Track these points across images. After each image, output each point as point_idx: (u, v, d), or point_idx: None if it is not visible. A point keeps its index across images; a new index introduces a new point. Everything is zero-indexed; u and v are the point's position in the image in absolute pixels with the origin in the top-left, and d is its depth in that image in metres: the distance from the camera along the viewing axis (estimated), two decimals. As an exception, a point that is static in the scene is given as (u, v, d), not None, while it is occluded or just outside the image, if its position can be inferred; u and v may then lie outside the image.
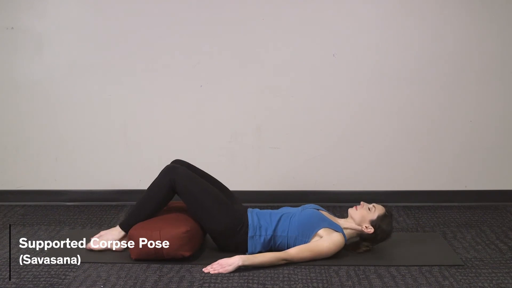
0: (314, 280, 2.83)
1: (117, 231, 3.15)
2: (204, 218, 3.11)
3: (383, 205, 3.17)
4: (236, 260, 2.89)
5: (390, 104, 3.95)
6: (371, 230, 3.09)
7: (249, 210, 3.19)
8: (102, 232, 3.22)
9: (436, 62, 3.89)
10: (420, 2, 3.83)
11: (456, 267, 2.99)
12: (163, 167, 3.20)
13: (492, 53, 3.88)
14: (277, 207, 3.36)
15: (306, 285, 2.79)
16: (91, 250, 3.13)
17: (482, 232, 3.50)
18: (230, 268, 2.89)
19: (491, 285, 2.80)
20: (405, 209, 3.94)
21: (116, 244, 3.14)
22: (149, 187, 3.18)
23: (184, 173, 3.12)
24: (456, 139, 3.98)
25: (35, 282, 2.82)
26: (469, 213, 3.85)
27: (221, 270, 2.89)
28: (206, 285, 2.79)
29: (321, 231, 3.05)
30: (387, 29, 3.87)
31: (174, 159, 3.36)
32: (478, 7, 3.82)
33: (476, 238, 3.41)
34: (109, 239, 3.15)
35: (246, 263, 2.90)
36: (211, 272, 2.89)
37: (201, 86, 3.95)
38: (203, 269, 2.92)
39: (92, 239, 3.16)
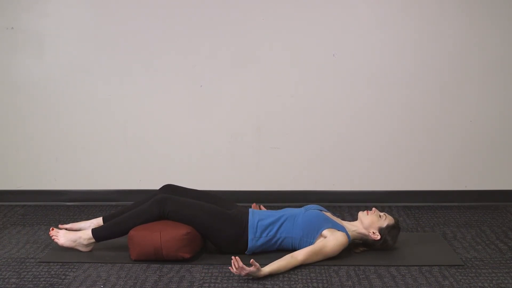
0: (314, 280, 2.83)
1: (87, 236, 3.11)
2: (208, 236, 3.12)
3: (394, 218, 3.18)
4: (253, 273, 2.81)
5: (390, 104, 3.95)
6: (378, 237, 3.10)
7: (251, 211, 3.19)
8: (75, 226, 3.29)
9: (435, 62, 3.89)
10: (420, 2, 3.83)
11: (456, 267, 2.99)
12: (152, 196, 3.19)
13: (492, 53, 3.88)
14: (277, 207, 3.36)
15: (306, 285, 2.79)
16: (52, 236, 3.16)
17: (482, 232, 3.50)
18: (243, 275, 2.81)
19: (491, 285, 2.80)
20: (405, 209, 3.94)
21: (81, 247, 3.13)
22: (136, 210, 3.12)
23: (174, 203, 3.08)
24: (456, 139, 3.98)
25: (35, 282, 2.82)
26: (469, 213, 3.85)
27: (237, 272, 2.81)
28: (206, 285, 2.79)
29: (325, 232, 3.05)
30: (387, 29, 3.86)
31: (162, 185, 3.34)
32: (478, 7, 3.82)
33: (476, 238, 3.41)
34: (76, 240, 3.11)
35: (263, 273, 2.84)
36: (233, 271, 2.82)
37: (201, 86, 3.95)
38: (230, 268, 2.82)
39: (63, 232, 3.15)
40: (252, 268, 2.78)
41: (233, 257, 2.80)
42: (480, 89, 3.92)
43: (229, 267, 2.81)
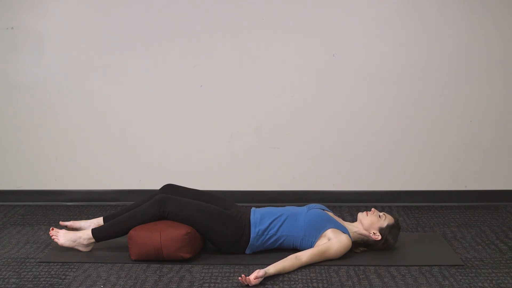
0: (314, 280, 2.83)
1: (87, 236, 3.10)
2: (208, 236, 3.12)
3: (393, 217, 3.18)
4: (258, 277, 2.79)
5: (390, 104, 3.95)
6: (378, 237, 3.09)
7: (253, 209, 3.19)
8: (75, 224, 3.30)
9: (436, 62, 3.89)
10: (420, 2, 3.83)
11: (456, 267, 2.99)
12: (153, 196, 3.20)
13: (492, 53, 3.88)
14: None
15: (306, 285, 2.79)
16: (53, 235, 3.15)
17: (482, 232, 3.50)
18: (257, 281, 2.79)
19: (491, 285, 2.80)
20: (405, 209, 3.94)
21: (81, 247, 3.13)
22: (136, 210, 3.12)
23: (174, 203, 3.08)
24: (456, 138, 3.98)
25: (35, 282, 2.82)
26: (469, 213, 3.85)
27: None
28: (206, 285, 2.79)
29: (328, 232, 3.05)
30: (387, 29, 3.87)
31: (162, 185, 3.34)
32: (478, 7, 3.82)
33: (476, 238, 3.41)
34: (76, 240, 3.11)
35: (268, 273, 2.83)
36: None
37: (201, 86, 3.95)
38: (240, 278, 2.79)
39: (63, 232, 3.14)
40: (261, 279, 2.77)
41: (240, 277, 2.77)
42: (480, 89, 3.92)
43: (239, 278, 2.78)
